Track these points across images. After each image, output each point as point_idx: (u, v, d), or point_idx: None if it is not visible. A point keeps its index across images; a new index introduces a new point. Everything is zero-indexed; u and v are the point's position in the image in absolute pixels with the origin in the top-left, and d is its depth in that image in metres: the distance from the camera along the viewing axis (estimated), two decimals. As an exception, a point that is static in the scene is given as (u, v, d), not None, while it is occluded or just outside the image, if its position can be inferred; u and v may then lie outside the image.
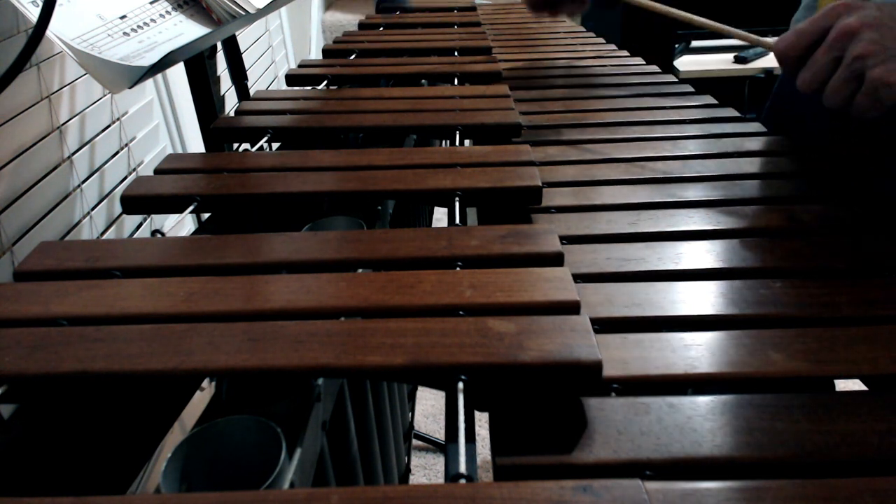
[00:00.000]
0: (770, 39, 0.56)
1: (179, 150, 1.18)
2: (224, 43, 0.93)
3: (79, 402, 0.34)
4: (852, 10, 0.47)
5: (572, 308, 0.35)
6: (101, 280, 0.39)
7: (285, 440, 0.31)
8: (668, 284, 0.42)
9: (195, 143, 1.21)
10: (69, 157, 0.84)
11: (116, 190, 0.94)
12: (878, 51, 0.45)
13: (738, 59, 2.52)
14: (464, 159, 0.57)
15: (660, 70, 0.93)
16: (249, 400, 0.34)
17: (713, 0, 1.27)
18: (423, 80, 0.88)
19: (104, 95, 0.92)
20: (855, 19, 0.46)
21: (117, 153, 0.95)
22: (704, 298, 0.41)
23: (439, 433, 1.45)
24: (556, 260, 0.41)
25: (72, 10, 0.57)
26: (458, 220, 0.49)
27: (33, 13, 0.51)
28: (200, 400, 0.37)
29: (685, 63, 2.56)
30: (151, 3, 0.66)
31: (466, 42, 1.03)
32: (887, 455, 0.29)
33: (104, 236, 0.91)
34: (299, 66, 0.91)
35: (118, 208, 0.93)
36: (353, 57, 0.97)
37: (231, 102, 0.89)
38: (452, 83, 0.84)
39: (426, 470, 1.38)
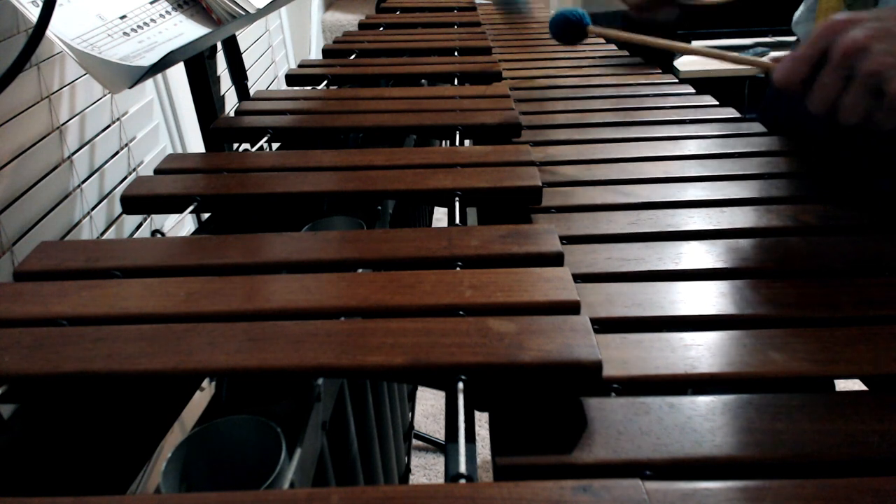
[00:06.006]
0: (767, 59, 0.53)
1: (179, 150, 1.18)
2: (224, 43, 0.93)
3: (79, 402, 0.34)
4: (851, 24, 0.44)
5: (572, 308, 0.35)
6: (101, 280, 0.39)
7: (285, 440, 0.31)
8: (668, 284, 0.42)
9: (195, 143, 1.21)
10: (69, 157, 0.84)
11: (116, 190, 0.94)
12: (894, 63, 0.42)
13: (738, 59, 2.52)
14: (464, 159, 0.57)
15: (660, 70, 0.93)
16: (249, 400, 0.34)
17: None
18: (423, 80, 0.88)
19: (104, 95, 0.92)
20: (860, 33, 0.43)
21: (117, 153, 0.95)
22: (704, 298, 0.41)
23: (439, 433, 1.45)
24: (556, 260, 0.41)
25: (72, 10, 0.57)
26: (458, 220, 0.49)
27: (33, 13, 0.51)
28: (200, 400, 0.37)
29: (685, 63, 2.56)
30: (151, 3, 0.66)
31: (466, 42, 1.03)
32: (887, 455, 0.29)
33: (104, 236, 0.91)
34: (299, 66, 0.91)
35: (118, 208, 0.93)
36: (353, 57, 0.97)
37: (231, 102, 0.89)
38: (452, 83, 0.84)
39: (426, 470, 1.38)
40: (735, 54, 0.55)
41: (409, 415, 1.13)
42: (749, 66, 0.54)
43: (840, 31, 0.44)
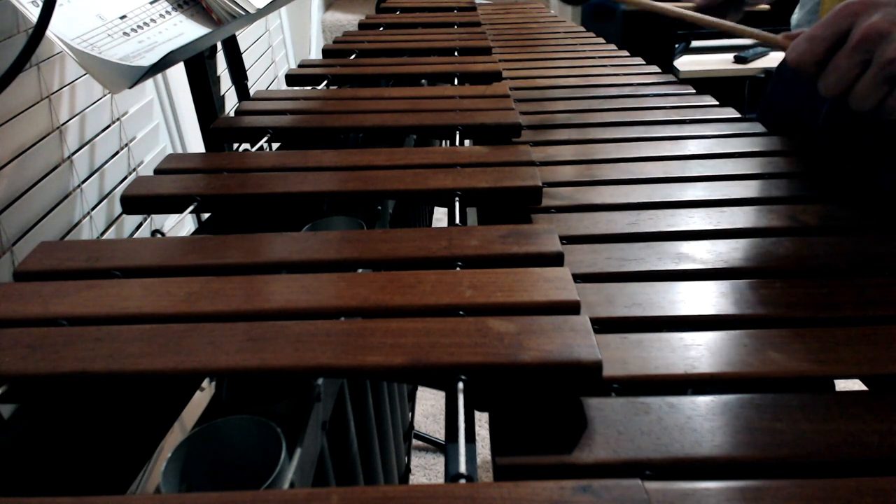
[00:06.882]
0: (780, 36, 0.54)
1: (179, 150, 1.18)
2: (224, 43, 0.93)
3: (79, 402, 0.34)
4: (871, 8, 0.43)
5: (572, 308, 0.35)
6: (101, 280, 0.39)
7: (285, 440, 0.31)
8: (668, 284, 0.42)
9: (195, 143, 1.21)
10: (69, 157, 0.84)
11: (116, 190, 0.94)
12: None
13: (738, 59, 2.52)
14: (464, 159, 0.57)
15: (660, 70, 0.93)
16: (249, 400, 0.34)
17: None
18: (423, 80, 0.88)
19: (104, 95, 0.92)
20: (881, 19, 0.42)
21: (117, 153, 0.95)
22: (704, 298, 0.41)
23: (439, 433, 1.45)
24: (556, 260, 0.41)
25: (72, 10, 0.57)
26: (458, 220, 0.49)
27: (33, 13, 0.51)
28: (200, 400, 0.37)
29: (685, 63, 2.56)
30: (151, 3, 0.66)
31: (466, 42, 1.03)
32: (887, 455, 0.29)
33: (104, 236, 0.91)
34: (299, 66, 0.91)
35: (118, 208, 0.93)
36: (353, 57, 0.97)
37: (231, 102, 0.89)
38: (452, 83, 0.84)
39: (426, 470, 1.38)
40: (751, 29, 0.58)
41: (409, 415, 1.13)
42: (765, 45, 0.58)
43: (860, 14, 0.44)
